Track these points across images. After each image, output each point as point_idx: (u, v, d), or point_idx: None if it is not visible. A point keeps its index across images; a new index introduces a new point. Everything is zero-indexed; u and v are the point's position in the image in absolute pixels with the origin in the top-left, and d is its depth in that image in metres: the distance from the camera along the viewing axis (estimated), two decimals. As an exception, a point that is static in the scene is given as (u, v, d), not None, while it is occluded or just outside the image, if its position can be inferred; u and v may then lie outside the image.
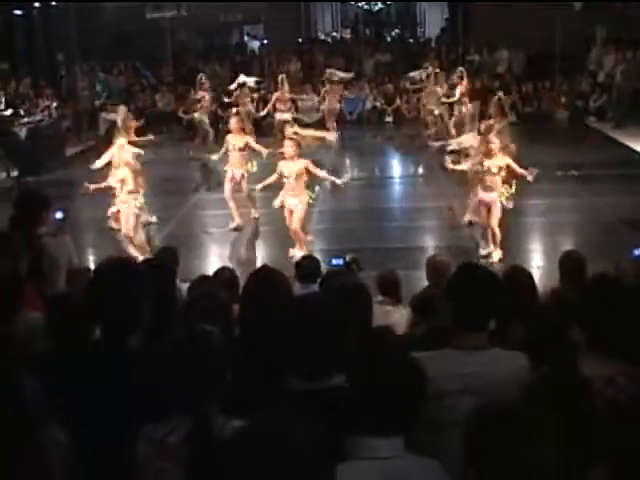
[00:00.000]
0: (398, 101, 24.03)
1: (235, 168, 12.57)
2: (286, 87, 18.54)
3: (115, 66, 25.90)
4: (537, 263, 10.62)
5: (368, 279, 6.89)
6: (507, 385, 3.31)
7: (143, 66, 26.64)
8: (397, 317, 6.38)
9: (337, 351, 3.25)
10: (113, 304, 3.42)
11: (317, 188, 11.29)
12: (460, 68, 19.59)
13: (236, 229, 12.42)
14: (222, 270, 6.83)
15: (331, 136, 11.68)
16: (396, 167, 18.77)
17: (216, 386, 3.05)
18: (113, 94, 24.55)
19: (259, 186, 11.47)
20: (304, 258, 7.67)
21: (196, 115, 19.61)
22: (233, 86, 19.74)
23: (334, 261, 7.43)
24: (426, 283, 7.36)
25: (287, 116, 17.93)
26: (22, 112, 19.26)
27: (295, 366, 3.26)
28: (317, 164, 11.85)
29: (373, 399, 2.80)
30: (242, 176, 12.58)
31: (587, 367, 3.41)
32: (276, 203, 10.98)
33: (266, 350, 3.52)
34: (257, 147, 12.71)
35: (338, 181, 11.56)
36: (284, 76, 18.99)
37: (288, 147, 11.01)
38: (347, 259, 7.19)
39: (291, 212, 11.03)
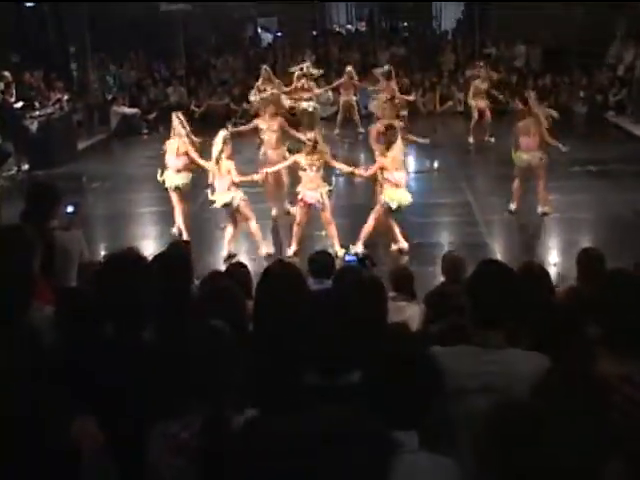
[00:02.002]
0: (413, 95, 24.00)
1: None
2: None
3: (127, 59, 25.97)
4: (553, 260, 10.59)
5: (381, 275, 6.92)
6: (526, 385, 3.31)
7: (155, 59, 26.69)
8: (410, 313, 6.39)
9: (353, 347, 3.26)
10: (121, 298, 3.43)
11: (333, 180, 11.30)
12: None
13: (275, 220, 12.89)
14: (235, 265, 6.86)
15: (360, 171, 11.71)
16: (410, 162, 18.75)
17: (228, 382, 3.07)
18: (124, 87, 24.62)
19: (268, 170, 11.47)
20: (317, 253, 7.69)
21: None
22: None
23: (347, 258, 7.46)
24: (440, 279, 7.38)
25: (306, 105, 17.86)
26: (34, 105, 19.32)
27: (311, 362, 3.27)
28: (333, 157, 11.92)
29: (389, 394, 2.81)
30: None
31: (604, 365, 3.41)
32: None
33: (281, 346, 3.53)
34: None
35: (355, 170, 11.69)
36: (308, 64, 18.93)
37: (309, 141, 11.04)
38: (360, 256, 7.23)
39: (307, 206, 11.02)
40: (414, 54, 26.76)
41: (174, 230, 12.02)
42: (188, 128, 11.90)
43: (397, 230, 11.16)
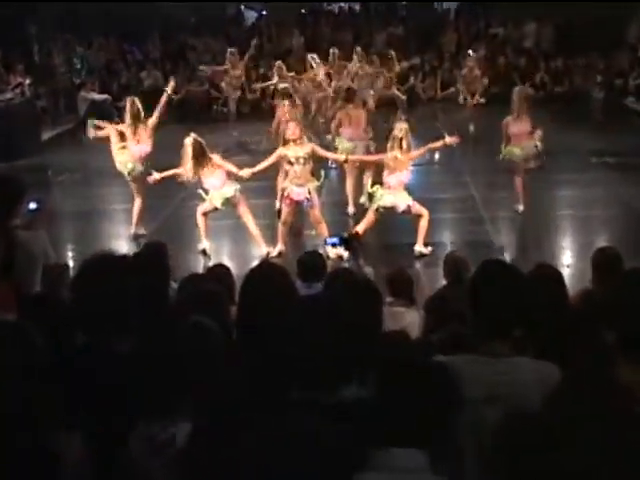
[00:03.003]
0: (412, 80, 24.03)
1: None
2: None
3: (95, 40, 25.92)
4: (567, 261, 10.63)
5: (377, 278, 6.94)
6: (535, 396, 3.33)
7: (127, 40, 26.65)
8: (410, 320, 6.40)
9: (346, 358, 3.27)
10: (100, 305, 3.44)
11: (322, 173, 11.29)
12: None
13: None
14: (216, 267, 6.86)
15: (341, 157, 11.77)
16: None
17: (210, 383, 3.10)
18: (93, 71, 24.57)
19: (253, 169, 11.32)
20: (307, 254, 7.71)
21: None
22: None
23: (329, 240, 7.47)
24: (442, 282, 7.40)
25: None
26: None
27: (300, 375, 3.28)
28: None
29: (397, 410, 2.83)
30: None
31: (624, 372, 3.43)
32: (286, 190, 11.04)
33: (266, 357, 3.54)
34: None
35: (340, 158, 11.72)
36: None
37: (292, 129, 11.02)
38: (345, 236, 7.18)
39: (295, 203, 11.02)
40: (413, 35, 26.79)
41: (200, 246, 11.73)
42: (142, 114, 12.30)
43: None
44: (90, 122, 13.20)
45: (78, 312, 3.60)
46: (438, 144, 11.36)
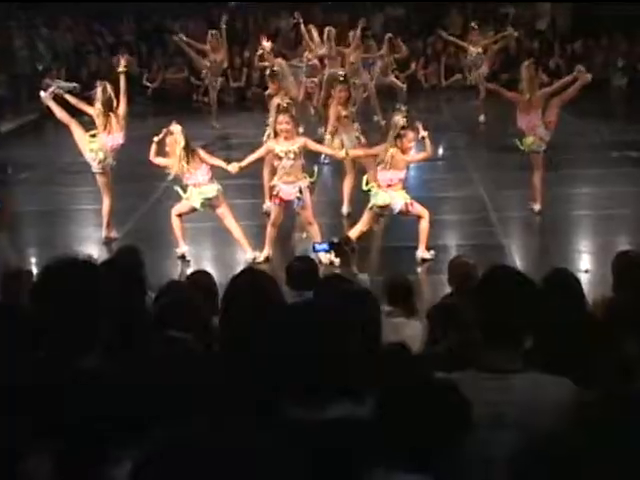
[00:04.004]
0: (413, 66, 24.08)
1: None
2: None
3: (62, 20, 25.89)
4: (585, 266, 10.64)
5: (374, 286, 6.95)
6: (549, 417, 3.34)
7: (97, 21, 26.61)
8: (410, 332, 6.40)
9: (340, 372, 3.28)
10: (63, 314, 3.44)
11: (315, 169, 11.31)
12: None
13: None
14: (197, 274, 6.87)
15: (341, 153, 11.80)
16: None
17: (189, 401, 3.10)
18: (59, 56, 24.54)
19: (241, 164, 11.29)
20: (297, 259, 7.71)
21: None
22: None
23: (317, 247, 7.46)
24: (447, 290, 7.42)
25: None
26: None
27: (289, 391, 3.29)
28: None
29: (397, 431, 2.84)
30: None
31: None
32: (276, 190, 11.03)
33: (252, 372, 3.55)
34: None
35: (341, 154, 11.72)
36: None
37: (284, 123, 11.00)
38: (335, 241, 7.16)
39: (284, 203, 11.02)
40: (414, 15, 26.82)
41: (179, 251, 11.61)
42: (115, 103, 12.33)
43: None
44: (57, 82, 13.17)
45: (39, 323, 3.59)
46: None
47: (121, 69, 12.95)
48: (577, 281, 5.90)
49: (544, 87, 13.28)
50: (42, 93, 12.63)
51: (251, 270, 4.65)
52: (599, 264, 10.30)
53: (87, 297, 3.49)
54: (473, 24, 20.70)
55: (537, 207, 12.67)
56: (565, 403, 3.43)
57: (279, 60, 14.36)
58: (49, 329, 3.52)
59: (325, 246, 7.22)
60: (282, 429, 3.12)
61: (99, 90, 12.29)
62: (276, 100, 12.32)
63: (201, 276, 6.71)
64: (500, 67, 22.62)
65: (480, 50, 19.64)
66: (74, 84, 22.43)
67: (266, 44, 14.95)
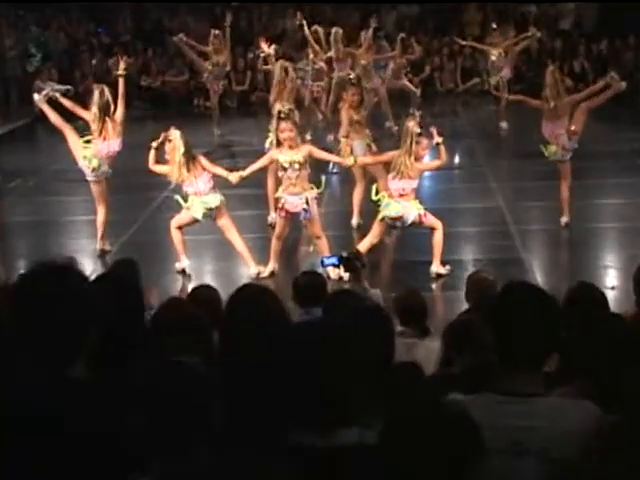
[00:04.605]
0: (428, 69, 24.09)
1: None
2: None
3: (55, 19, 25.93)
4: (612, 282, 10.63)
5: (385, 303, 6.95)
6: (571, 445, 3.34)
7: (92, 20, 26.65)
8: (423, 352, 6.41)
9: (351, 396, 3.28)
10: (45, 323, 3.44)
11: (323, 180, 11.31)
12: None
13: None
14: (200, 289, 6.86)
15: (349, 161, 11.79)
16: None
17: (197, 429, 3.11)
18: (52, 56, 24.58)
19: (242, 173, 11.30)
20: (304, 274, 7.72)
21: None
22: None
23: (326, 261, 7.47)
24: (464, 307, 7.42)
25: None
26: None
27: (295, 416, 3.30)
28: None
29: (407, 459, 2.85)
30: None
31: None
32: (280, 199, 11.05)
33: (255, 395, 3.55)
34: None
35: (349, 161, 11.74)
36: None
37: (286, 131, 10.97)
38: (344, 255, 7.16)
39: (290, 215, 11.00)
40: (429, 14, 26.83)
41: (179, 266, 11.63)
42: (112, 107, 12.32)
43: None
44: (50, 85, 13.18)
45: (20, 335, 3.58)
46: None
47: (120, 72, 12.99)
48: (603, 297, 5.89)
49: (569, 92, 13.28)
50: (35, 96, 12.65)
51: (251, 286, 4.62)
52: (626, 280, 10.27)
53: (67, 303, 3.49)
54: (493, 25, 20.72)
55: (565, 220, 12.55)
56: (590, 430, 3.43)
57: (280, 62, 14.34)
58: (25, 337, 3.51)
59: (334, 260, 7.22)
60: (286, 457, 3.14)
61: (96, 93, 12.27)
62: (277, 106, 12.33)
63: (204, 291, 6.68)
64: (522, 70, 22.60)
65: (501, 52, 19.61)
66: (68, 86, 22.58)
67: (266, 48, 14.95)
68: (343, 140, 12.81)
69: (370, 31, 19.22)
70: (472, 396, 3.63)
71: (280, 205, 11.07)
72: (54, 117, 12.33)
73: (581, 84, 22.36)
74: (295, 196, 10.91)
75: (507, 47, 19.92)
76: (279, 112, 11.17)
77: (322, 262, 7.76)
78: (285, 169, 10.88)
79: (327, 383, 3.26)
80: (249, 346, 3.82)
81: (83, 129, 12.69)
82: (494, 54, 19.60)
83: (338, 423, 3.25)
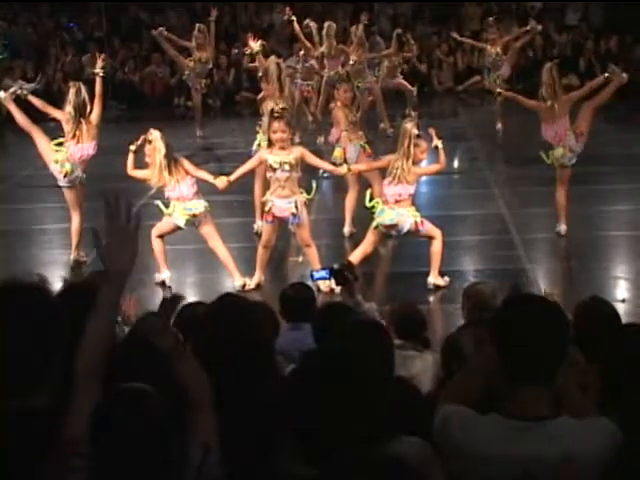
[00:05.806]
0: (425, 67, 24.13)
1: None
2: None
3: (22, 13, 25.91)
4: (622, 294, 10.65)
5: (381, 316, 6.95)
6: (589, 471, 3.33)
7: (64, 14, 26.66)
8: (420, 367, 6.42)
9: (348, 420, 3.26)
10: (10, 344, 3.43)
11: (314, 184, 11.31)
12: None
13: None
14: (189, 307, 6.82)
15: (342, 169, 11.79)
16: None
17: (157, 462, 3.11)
18: (21, 53, 24.57)
19: (230, 177, 11.26)
20: (292, 286, 7.71)
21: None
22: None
23: (316, 275, 7.46)
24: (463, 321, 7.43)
25: None
26: None
27: (286, 445, 3.29)
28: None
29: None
30: None
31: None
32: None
33: (245, 422, 3.54)
34: None
35: (341, 170, 11.74)
36: None
37: (279, 132, 10.94)
38: (335, 267, 7.15)
39: (278, 221, 10.97)
40: (425, 8, 26.88)
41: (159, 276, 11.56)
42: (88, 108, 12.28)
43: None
44: (19, 83, 13.13)
45: None
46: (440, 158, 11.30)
47: (97, 70, 12.97)
48: (614, 311, 5.89)
49: (568, 90, 13.26)
50: (1, 94, 12.61)
51: (227, 298, 4.52)
52: (638, 292, 10.29)
53: (32, 325, 3.47)
54: (490, 19, 20.67)
55: (563, 228, 12.54)
56: (608, 452, 3.41)
57: (273, 58, 14.33)
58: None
59: (324, 273, 7.19)
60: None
61: (72, 91, 12.16)
62: (270, 104, 12.29)
63: (191, 309, 6.63)
64: (524, 68, 22.64)
65: (499, 51, 19.57)
66: (37, 81, 22.54)
67: (253, 45, 14.94)
68: (344, 134, 12.81)
69: (361, 27, 19.21)
70: (476, 416, 3.62)
71: (267, 209, 10.96)
72: (21, 118, 12.26)
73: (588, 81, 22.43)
74: (284, 199, 10.84)
75: (506, 43, 19.86)
76: (273, 111, 11.14)
77: (312, 276, 7.73)
78: (274, 170, 10.81)
79: (322, 406, 3.23)
80: (216, 367, 3.76)
81: (54, 130, 12.67)
82: (492, 52, 19.58)
83: (335, 449, 3.24)
